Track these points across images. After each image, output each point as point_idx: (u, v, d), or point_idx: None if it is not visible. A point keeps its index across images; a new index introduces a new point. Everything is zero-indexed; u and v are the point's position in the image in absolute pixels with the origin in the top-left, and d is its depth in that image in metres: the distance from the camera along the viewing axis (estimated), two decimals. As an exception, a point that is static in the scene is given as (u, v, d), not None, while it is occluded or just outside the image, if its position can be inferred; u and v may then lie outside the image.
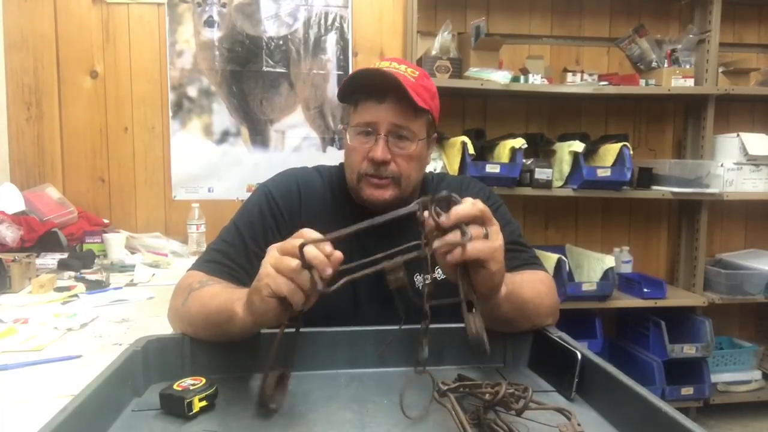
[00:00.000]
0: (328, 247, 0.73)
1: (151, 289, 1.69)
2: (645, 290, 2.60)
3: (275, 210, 1.11)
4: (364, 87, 1.07)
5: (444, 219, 0.71)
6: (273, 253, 0.74)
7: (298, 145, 2.64)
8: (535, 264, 1.10)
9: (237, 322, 0.79)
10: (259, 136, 2.62)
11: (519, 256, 1.10)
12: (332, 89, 2.64)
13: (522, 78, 2.49)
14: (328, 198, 1.17)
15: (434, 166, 2.42)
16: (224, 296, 0.86)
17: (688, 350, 2.59)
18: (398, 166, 1.08)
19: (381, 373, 0.87)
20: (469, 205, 0.72)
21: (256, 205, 1.12)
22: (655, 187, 2.61)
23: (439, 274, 1.15)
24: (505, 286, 0.83)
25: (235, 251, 1.05)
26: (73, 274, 1.85)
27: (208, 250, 1.10)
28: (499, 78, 2.38)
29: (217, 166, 2.60)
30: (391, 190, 1.09)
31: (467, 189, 1.22)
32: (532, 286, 0.95)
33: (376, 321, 1.00)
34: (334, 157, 2.62)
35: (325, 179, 1.19)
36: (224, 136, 2.60)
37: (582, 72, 2.59)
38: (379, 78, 1.06)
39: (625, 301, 2.60)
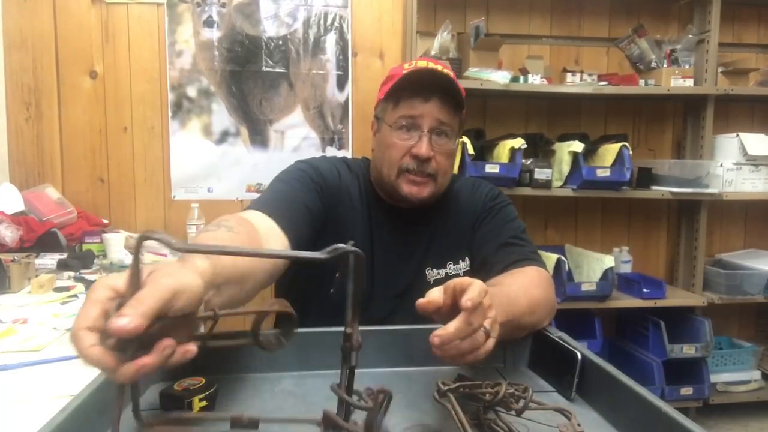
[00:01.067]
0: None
1: (150, 289, 1.68)
2: (644, 290, 2.60)
3: (319, 179, 1.13)
4: (409, 85, 1.10)
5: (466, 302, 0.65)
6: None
7: (297, 145, 2.64)
8: (534, 259, 1.11)
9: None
10: (258, 136, 2.62)
11: (518, 251, 1.12)
12: (332, 89, 2.64)
13: (521, 78, 2.49)
14: (355, 191, 1.20)
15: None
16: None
17: (688, 350, 2.59)
18: (437, 163, 1.11)
19: (381, 373, 0.87)
20: (476, 291, 0.66)
21: (302, 170, 1.14)
22: (654, 187, 2.61)
23: (451, 269, 1.19)
24: (501, 314, 0.81)
25: (284, 202, 1.03)
26: (72, 274, 1.85)
27: (257, 199, 1.04)
28: (498, 78, 2.38)
29: (217, 166, 2.60)
30: (429, 187, 1.12)
31: (478, 189, 1.26)
32: (526, 293, 0.94)
33: (387, 315, 1.02)
34: (333, 157, 2.61)
35: (353, 172, 1.23)
36: (224, 136, 2.59)
37: (581, 72, 2.59)
38: (426, 76, 1.09)
39: (625, 301, 2.60)
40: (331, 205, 1.14)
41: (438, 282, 1.17)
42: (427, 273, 1.19)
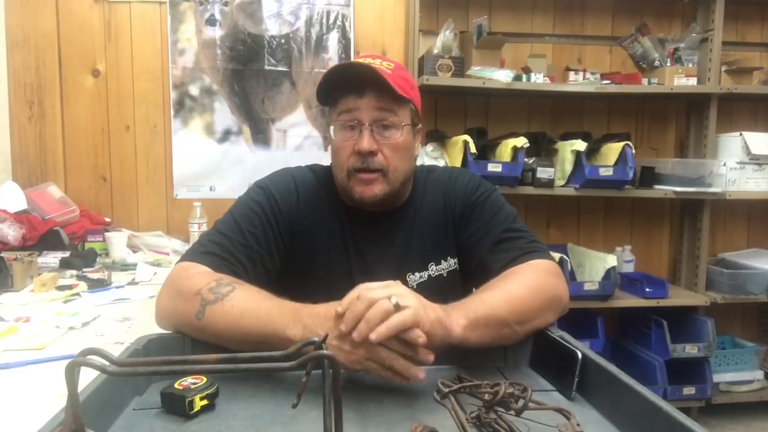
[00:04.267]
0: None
1: (152, 288, 1.69)
2: (647, 290, 2.59)
3: (275, 209, 1.09)
4: (341, 84, 1.06)
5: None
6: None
7: (299, 144, 2.64)
8: (533, 251, 1.04)
9: (289, 344, 0.77)
10: (260, 135, 2.62)
11: (514, 246, 1.05)
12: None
13: (524, 77, 2.49)
14: (324, 198, 1.15)
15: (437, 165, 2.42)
16: (263, 316, 0.83)
17: (690, 350, 2.58)
18: (385, 157, 1.06)
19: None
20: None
21: (255, 201, 1.09)
22: (657, 187, 2.61)
23: (433, 271, 1.15)
24: (465, 323, 0.82)
25: (233, 246, 1.02)
26: (74, 272, 1.86)
27: (203, 240, 1.04)
28: (501, 77, 2.38)
29: (219, 165, 2.60)
30: (379, 184, 1.06)
31: (456, 180, 1.19)
32: (512, 296, 0.90)
33: None
34: (335, 155, 2.61)
35: (320, 179, 1.18)
36: (226, 135, 2.60)
37: (584, 71, 2.59)
38: (355, 72, 1.05)
39: (627, 300, 2.60)
40: (291, 228, 1.10)
41: (421, 285, 1.10)
42: (408, 278, 1.12)
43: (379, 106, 1.04)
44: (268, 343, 0.80)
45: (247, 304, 0.85)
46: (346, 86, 1.05)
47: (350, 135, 1.06)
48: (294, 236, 1.11)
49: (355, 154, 1.05)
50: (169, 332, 0.91)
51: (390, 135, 1.06)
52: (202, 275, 0.94)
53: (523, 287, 0.93)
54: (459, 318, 0.82)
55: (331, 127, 1.11)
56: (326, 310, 0.79)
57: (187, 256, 1.01)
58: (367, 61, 1.07)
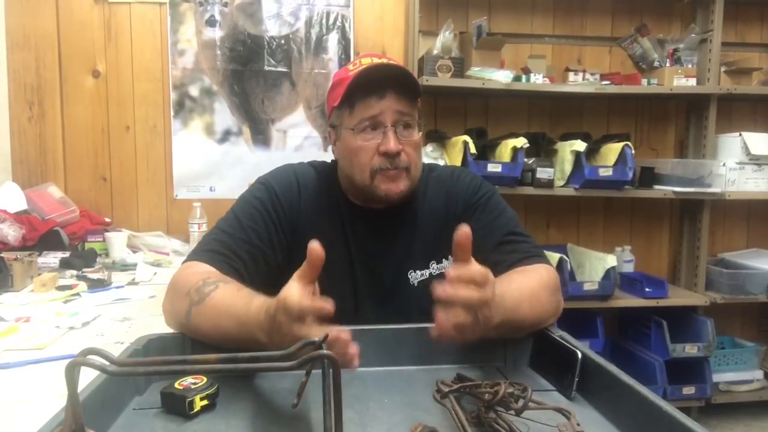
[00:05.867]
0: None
1: (152, 288, 1.69)
2: (647, 290, 2.59)
3: (277, 204, 1.10)
4: (360, 85, 1.06)
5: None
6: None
7: (299, 144, 2.64)
8: (536, 256, 1.06)
9: (264, 347, 0.75)
10: (260, 136, 2.62)
11: (518, 248, 1.07)
12: (334, 88, 2.64)
13: (524, 77, 2.49)
14: (325, 194, 1.16)
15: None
16: (239, 317, 0.81)
17: (690, 350, 2.58)
18: (407, 155, 1.08)
19: (382, 372, 0.87)
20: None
21: (257, 198, 1.11)
22: (657, 187, 2.61)
23: (434, 269, 1.15)
24: (499, 315, 0.80)
25: (234, 242, 1.03)
26: (74, 272, 1.86)
27: (205, 239, 1.05)
28: (500, 77, 2.38)
29: (219, 166, 2.60)
30: (404, 180, 1.08)
31: (458, 179, 1.20)
32: (532, 297, 0.90)
33: (375, 321, 1.00)
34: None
35: (321, 175, 1.19)
36: (226, 136, 2.60)
37: (584, 71, 2.59)
38: (374, 73, 1.06)
39: (627, 300, 2.60)
40: (293, 223, 1.11)
41: (422, 284, 1.11)
42: (410, 275, 1.14)
43: (399, 107, 1.06)
44: (249, 348, 0.77)
45: (223, 303, 0.85)
46: (367, 88, 1.06)
47: (371, 136, 1.07)
48: (296, 231, 1.12)
49: (381, 155, 1.06)
50: (169, 332, 0.91)
51: (409, 134, 1.08)
52: (195, 274, 0.94)
53: (546, 295, 0.95)
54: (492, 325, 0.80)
55: (344, 130, 1.10)
56: (268, 306, 0.76)
57: (191, 256, 1.02)
58: (376, 61, 1.08)
